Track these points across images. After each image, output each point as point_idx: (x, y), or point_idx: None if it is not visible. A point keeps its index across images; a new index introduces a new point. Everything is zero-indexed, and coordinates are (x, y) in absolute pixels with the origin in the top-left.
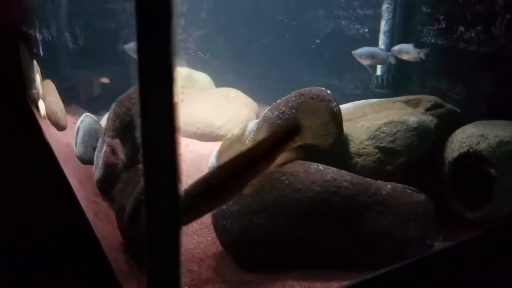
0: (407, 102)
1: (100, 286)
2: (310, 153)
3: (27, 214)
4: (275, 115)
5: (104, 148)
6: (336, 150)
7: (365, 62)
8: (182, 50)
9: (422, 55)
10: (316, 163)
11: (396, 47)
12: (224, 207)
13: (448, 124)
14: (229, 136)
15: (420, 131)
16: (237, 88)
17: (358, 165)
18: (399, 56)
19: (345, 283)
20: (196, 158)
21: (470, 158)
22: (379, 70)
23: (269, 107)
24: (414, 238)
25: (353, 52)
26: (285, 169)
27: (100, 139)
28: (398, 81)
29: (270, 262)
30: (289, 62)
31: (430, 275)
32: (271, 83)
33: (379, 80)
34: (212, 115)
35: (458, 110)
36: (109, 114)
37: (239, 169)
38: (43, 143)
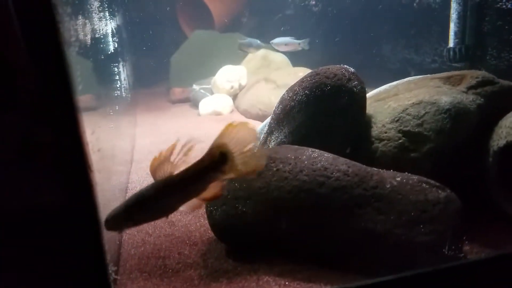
0: (448, 79)
1: None
2: None
3: None
4: (290, 96)
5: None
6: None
7: (281, 49)
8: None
9: (304, 46)
10: (313, 149)
11: (274, 40)
12: None
13: (502, 105)
14: (157, 156)
15: (454, 113)
16: (317, 65)
17: (378, 151)
18: (278, 48)
19: (326, 287)
20: None
21: None
22: (451, 41)
23: (287, 89)
24: (423, 244)
25: (270, 42)
26: (276, 155)
27: None
28: (473, 53)
29: (255, 252)
30: (370, 38)
31: None
32: (352, 59)
33: (451, 52)
34: (274, 95)
35: None
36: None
37: (168, 191)
38: None
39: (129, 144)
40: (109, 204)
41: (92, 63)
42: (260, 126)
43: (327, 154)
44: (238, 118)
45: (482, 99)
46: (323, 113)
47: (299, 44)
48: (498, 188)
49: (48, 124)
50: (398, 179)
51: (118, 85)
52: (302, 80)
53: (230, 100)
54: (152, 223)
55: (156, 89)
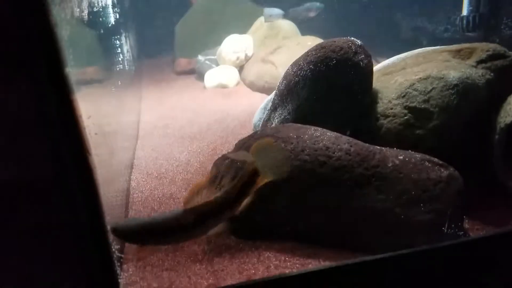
0: (458, 52)
1: None
2: None
3: None
4: (294, 71)
5: None
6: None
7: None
8: None
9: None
10: (316, 128)
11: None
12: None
13: None
14: (197, 182)
15: (462, 89)
16: (327, 34)
17: (384, 128)
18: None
19: (325, 263)
20: (248, 115)
21: None
22: (465, 9)
23: (292, 63)
24: (422, 223)
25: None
26: (279, 134)
27: None
28: (487, 22)
29: (258, 230)
30: (383, 5)
31: (437, 271)
32: (364, 27)
33: (465, 21)
34: (281, 66)
35: None
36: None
37: (205, 214)
38: None
39: (135, 119)
40: (114, 181)
41: (93, 37)
42: (264, 102)
43: (329, 133)
44: (244, 90)
45: (492, 74)
46: (328, 89)
47: (270, 16)
48: (504, 166)
49: (42, 103)
50: (401, 157)
51: (120, 59)
52: (307, 54)
53: (236, 72)
54: (157, 199)
55: (161, 59)
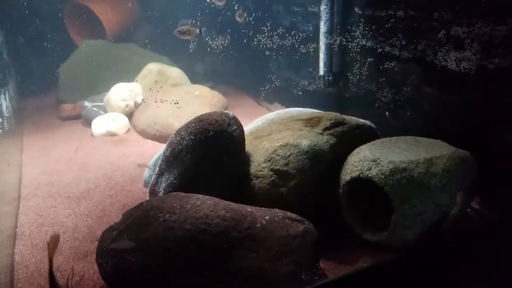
0: (309, 121)
1: None
2: None
3: None
4: (177, 140)
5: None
6: None
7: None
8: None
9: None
10: (198, 196)
11: None
12: (104, 245)
13: (352, 141)
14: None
15: (311, 154)
16: (213, 80)
17: (256, 187)
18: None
19: None
20: (138, 166)
21: (363, 182)
22: (321, 70)
23: (174, 132)
24: (286, 274)
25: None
26: (164, 205)
27: None
28: (339, 80)
29: None
30: (259, 55)
31: None
32: (246, 73)
33: (321, 80)
34: (172, 116)
35: (368, 125)
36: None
37: None
38: None
39: (15, 175)
40: None
41: None
42: (153, 159)
43: (209, 201)
44: (135, 138)
45: (334, 139)
46: (207, 157)
47: None
48: (349, 214)
49: None
50: (267, 217)
51: None
52: (187, 126)
53: (125, 119)
54: (44, 274)
55: (44, 99)
